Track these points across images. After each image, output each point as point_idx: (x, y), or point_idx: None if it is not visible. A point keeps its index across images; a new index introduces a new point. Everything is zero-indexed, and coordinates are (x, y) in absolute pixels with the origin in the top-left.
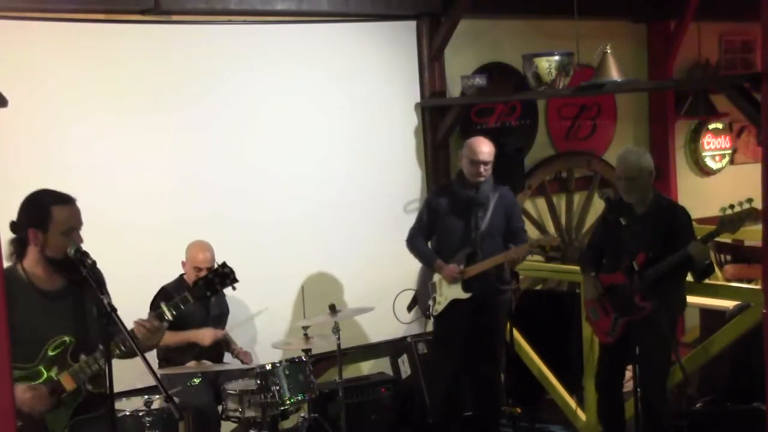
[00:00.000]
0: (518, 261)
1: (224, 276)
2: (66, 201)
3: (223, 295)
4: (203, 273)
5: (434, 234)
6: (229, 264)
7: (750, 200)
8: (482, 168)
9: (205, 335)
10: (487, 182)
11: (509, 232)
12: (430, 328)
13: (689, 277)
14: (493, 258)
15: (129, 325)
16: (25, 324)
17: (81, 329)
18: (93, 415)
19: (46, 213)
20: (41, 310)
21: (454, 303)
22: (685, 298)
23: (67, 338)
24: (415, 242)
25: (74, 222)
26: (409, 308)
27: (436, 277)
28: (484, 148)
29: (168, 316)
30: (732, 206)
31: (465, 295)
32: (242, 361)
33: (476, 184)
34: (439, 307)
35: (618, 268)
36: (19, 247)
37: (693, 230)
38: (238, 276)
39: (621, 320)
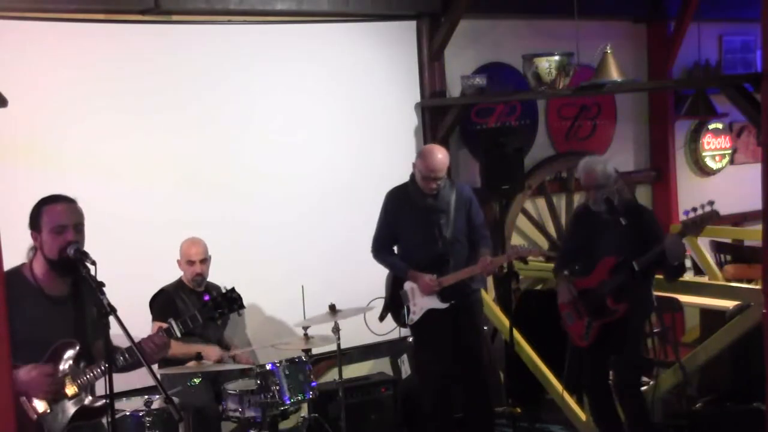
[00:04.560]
0: (493, 271)
1: (232, 301)
2: (56, 200)
3: None
4: (197, 266)
5: (397, 240)
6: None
7: (711, 203)
8: (435, 184)
9: (213, 353)
10: (445, 186)
11: (471, 230)
12: None
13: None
14: (468, 269)
15: (135, 333)
16: (29, 325)
17: (82, 335)
18: (90, 423)
19: (38, 214)
20: (46, 312)
21: (430, 311)
22: (654, 298)
23: (73, 342)
24: (382, 253)
25: (63, 219)
26: (381, 318)
27: (408, 286)
28: (438, 164)
29: (177, 333)
30: (695, 209)
31: (443, 305)
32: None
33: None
34: (415, 317)
35: (590, 272)
36: (32, 251)
37: (661, 230)
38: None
39: (594, 324)
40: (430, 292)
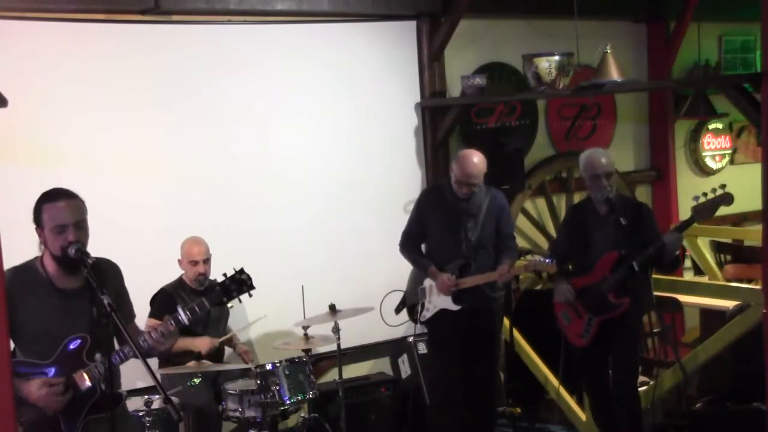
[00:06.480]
0: (510, 279)
1: (241, 282)
2: (55, 198)
3: None
4: (200, 266)
5: (426, 238)
6: (230, 264)
7: (723, 186)
8: (469, 189)
9: (203, 343)
10: (479, 191)
11: (498, 239)
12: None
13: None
14: (485, 275)
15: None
16: (42, 319)
17: (96, 329)
18: (105, 415)
19: (39, 212)
20: (59, 307)
21: (443, 311)
22: (653, 294)
23: (85, 336)
24: (408, 248)
25: (63, 219)
26: (397, 310)
27: (427, 282)
28: (474, 170)
29: (185, 321)
30: (705, 194)
31: (454, 307)
32: (243, 360)
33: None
34: (427, 314)
35: (588, 270)
36: (42, 244)
37: (657, 225)
38: None
39: (595, 320)
40: (447, 291)
